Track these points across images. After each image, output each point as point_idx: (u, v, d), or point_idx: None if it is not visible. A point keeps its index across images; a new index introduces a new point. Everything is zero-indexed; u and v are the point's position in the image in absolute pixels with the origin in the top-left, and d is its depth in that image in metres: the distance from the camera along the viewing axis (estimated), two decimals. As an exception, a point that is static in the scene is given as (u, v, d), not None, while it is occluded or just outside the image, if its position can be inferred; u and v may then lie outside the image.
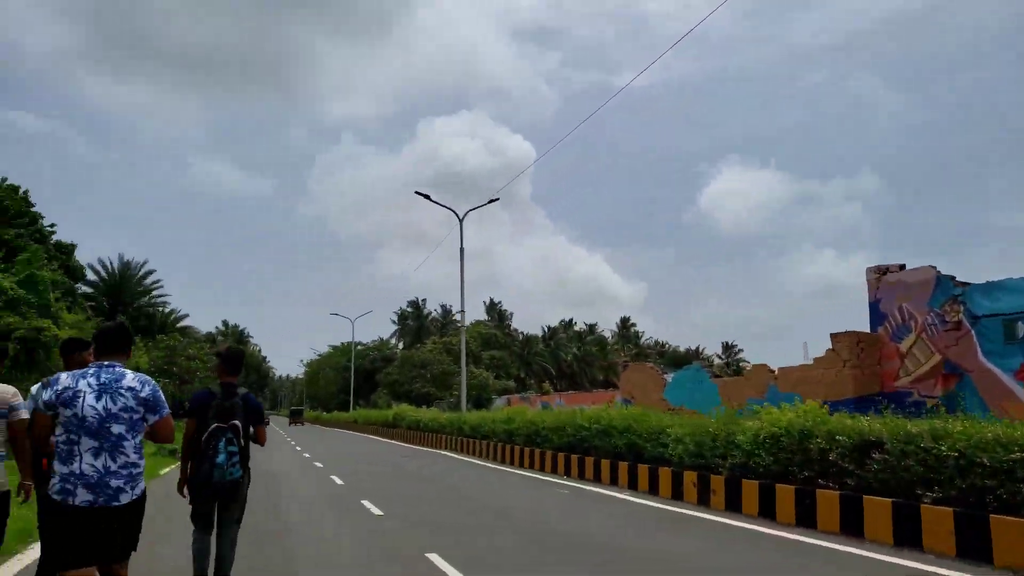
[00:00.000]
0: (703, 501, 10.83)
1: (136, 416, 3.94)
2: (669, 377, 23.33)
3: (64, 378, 3.94)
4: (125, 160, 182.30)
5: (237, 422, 5.47)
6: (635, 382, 24.52)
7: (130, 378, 3.99)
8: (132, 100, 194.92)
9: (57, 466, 3.84)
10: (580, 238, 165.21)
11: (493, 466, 18.55)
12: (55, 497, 3.79)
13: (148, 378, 4.12)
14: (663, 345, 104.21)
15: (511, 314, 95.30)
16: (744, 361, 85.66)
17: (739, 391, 19.26)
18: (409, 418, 32.94)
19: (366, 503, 11.11)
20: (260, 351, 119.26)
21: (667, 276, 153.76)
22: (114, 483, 3.81)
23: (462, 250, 27.52)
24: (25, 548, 7.50)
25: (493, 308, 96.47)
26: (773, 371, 18.90)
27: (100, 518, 3.78)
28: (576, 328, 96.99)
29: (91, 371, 3.98)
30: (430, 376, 63.36)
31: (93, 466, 3.79)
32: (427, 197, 26.78)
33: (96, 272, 47.32)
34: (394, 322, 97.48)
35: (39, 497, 4.83)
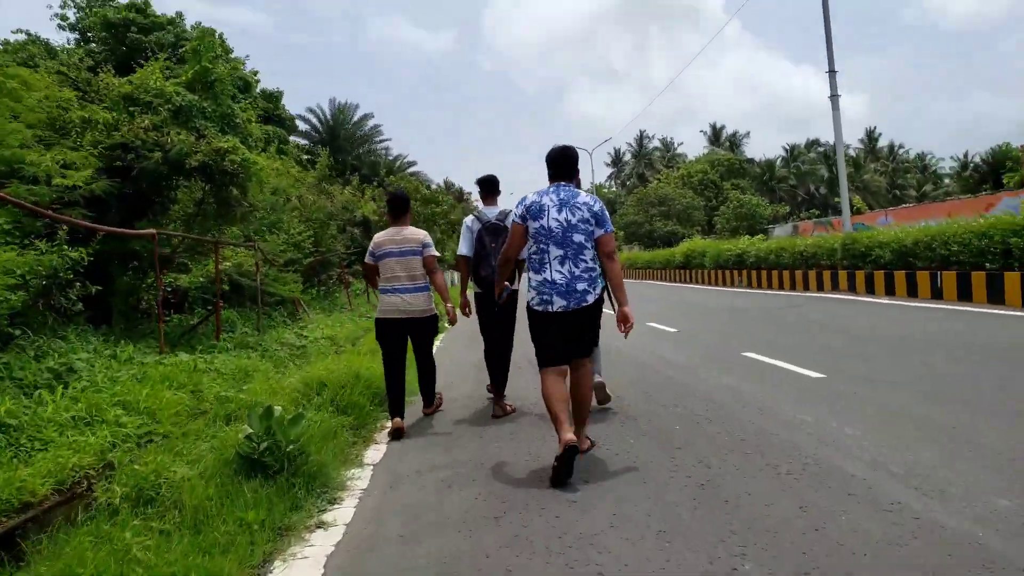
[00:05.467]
0: None
1: (590, 227, 4.32)
2: None
3: (531, 196, 4.46)
4: (305, 30, 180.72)
5: None
6: None
7: (583, 195, 4.41)
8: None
9: (531, 276, 4.43)
10: (782, 51, 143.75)
11: None
12: (536, 308, 4.36)
13: (596, 196, 4.50)
14: (924, 158, 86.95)
15: (744, 136, 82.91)
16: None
17: None
18: (717, 253, 23.98)
19: None
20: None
21: (891, 84, 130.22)
22: (579, 286, 4.27)
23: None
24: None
25: (718, 134, 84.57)
26: None
27: (572, 320, 4.30)
28: (821, 149, 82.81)
29: (551, 189, 4.44)
30: (672, 213, 55.15)
31: (560, 272, 4.28)
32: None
33: (307, 121, 42.65)
34: (608, 164, 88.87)
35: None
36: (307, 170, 30.13)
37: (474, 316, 6.40)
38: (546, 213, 4.32)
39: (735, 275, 22.11)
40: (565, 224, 4.29)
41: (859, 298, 14.26)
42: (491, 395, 6.47)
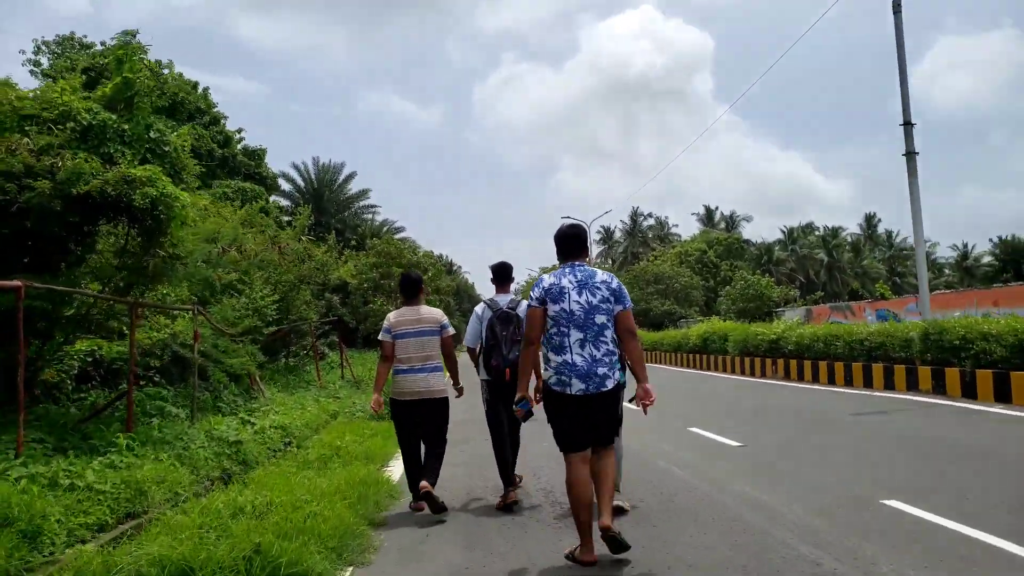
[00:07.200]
0: None
1: (610, 306, 4.25)
2: None
3: (547, 277, 4.38)
4: (292, 98, 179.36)
5: None
6: None
7: (600, 274, 4.35)
8: (284, 37, 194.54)
9: (551, 356, 4.29)
10: (770, 136, 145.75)
11: None
12: (554, 388, 4.26)
13: (611, 274, 4.47)
14: (928, 243, 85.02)
15: (744, 219, 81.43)
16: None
17: None
18: (744, 338, 20.68)
19: None
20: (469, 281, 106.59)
21: (876, 171, 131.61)
22: (600, 370, 4.16)
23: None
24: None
25: (711, 215, 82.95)
26: None
27: (590, 404, 4.19)
28: (818, 233, 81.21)
29: (567, 270, 4.35)
30: (669, 292, 52.56)
31: (581, 355, 4.18)
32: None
33: (290, 180, 40.05)
34: (597, 240, 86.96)
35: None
36: (283, 229, 27.49)
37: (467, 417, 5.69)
38: (567, 296, 4.27)
39: (768, 364, 19.16)
40: (587, 306, 4.24)
41: (959, 404, 11.24)
42: (502, 499, 6.00)
